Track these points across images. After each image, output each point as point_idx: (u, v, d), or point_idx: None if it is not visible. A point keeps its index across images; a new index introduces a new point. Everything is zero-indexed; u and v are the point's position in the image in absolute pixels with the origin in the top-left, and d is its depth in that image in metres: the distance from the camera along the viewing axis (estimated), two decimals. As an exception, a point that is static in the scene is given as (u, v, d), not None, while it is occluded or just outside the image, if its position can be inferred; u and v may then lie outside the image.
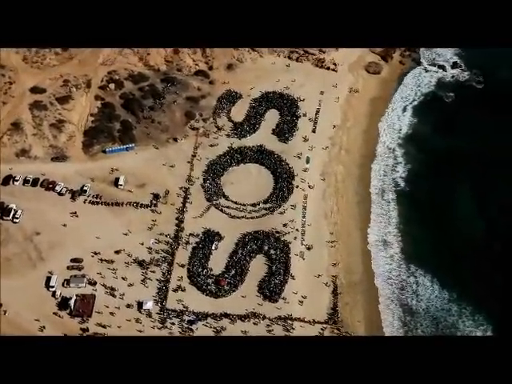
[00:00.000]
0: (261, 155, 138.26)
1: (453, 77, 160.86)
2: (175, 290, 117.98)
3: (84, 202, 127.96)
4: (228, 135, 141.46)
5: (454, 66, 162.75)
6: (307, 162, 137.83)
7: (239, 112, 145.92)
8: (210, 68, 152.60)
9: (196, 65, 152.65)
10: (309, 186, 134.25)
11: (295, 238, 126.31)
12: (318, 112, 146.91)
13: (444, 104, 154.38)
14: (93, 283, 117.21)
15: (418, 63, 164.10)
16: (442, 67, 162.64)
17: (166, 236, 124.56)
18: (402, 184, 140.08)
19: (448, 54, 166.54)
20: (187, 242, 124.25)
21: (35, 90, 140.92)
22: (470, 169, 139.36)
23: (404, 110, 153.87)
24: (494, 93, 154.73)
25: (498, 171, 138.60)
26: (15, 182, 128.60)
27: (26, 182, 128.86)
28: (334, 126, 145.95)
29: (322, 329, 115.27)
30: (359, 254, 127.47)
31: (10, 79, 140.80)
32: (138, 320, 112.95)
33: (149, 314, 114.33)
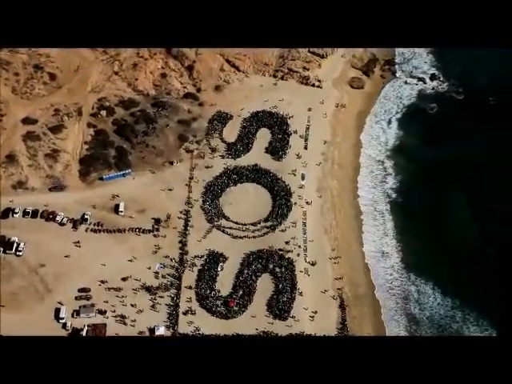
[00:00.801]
0: (257, 174, 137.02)
1: (433, 88, 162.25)
2: (185, 313, 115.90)
3: (86, 231, 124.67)
4: (222, 156, 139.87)
5: (433, 77, 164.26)
6: (302, 178, 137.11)
7: (231, 132, 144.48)
8: (198, 90, 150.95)
9: (184, 87, 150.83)
10: (306, 203, 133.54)
11: (298, 254, 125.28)
12: (308, 129, 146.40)
13: (428, 115, 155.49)
14: (102, 312, 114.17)
15: (398, 76, 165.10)
16: (422, 79, 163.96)
17: (172, 260, 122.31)
18: (394, 195, 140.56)
19: (425, 66, 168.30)
20: (193, 264, 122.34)
21: (27, 120, 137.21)
22: (459, 177, 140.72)
23: (389, 122, 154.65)
24: (474, 102, 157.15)
25: (487, 178, 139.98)
26: (15, 215, 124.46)
27: (25, 213, 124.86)
28: (325, 142, 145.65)
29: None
30: (361, 266, 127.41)
31: (1, 111, 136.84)
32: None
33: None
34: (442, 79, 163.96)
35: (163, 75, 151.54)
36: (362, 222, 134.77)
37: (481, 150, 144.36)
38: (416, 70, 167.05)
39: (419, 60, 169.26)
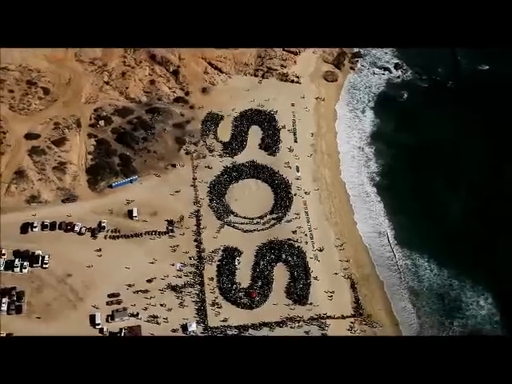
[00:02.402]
0: (255, 170, 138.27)
1: (398, 77, 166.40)
2: (212, 305, 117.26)
3: (105, 238, 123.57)
4: (220, 155, 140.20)
5: (397, 67, 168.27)
6: (297, 170, 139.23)
7: (224, 132, 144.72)
8: (187, 93, 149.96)
9: (173, 92, 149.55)
10: (305, 193, 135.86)
11: (306, 242, 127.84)
12: (294, 123, 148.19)
13: (399, 102, 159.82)
14: (135, 314, 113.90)
15: (366, 68, 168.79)
16: (387, 69, 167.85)
17: (190, 258, 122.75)
18: (378, 178, 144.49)
19: (386, 57, 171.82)
20: (211, 259, 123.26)
21: (30, 136, 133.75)
22: (435, 158, 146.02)
23: (363, 111, 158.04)
24: (437, 88, 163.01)
25: (460, 157, 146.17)
26: (34, 229, 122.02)
27: (44, 226, 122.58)
28: (312, 134, 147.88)
29: (351, 322, 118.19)
30: (363, 248, 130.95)
31: (2, 129, 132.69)
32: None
33: (196, 336, 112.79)
34: (405, 68, 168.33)
35: (152, 82, 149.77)
36: (354, 206, 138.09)
37: (451, 131, 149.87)
38: (380, 61, 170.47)
39: (380, 51, 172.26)
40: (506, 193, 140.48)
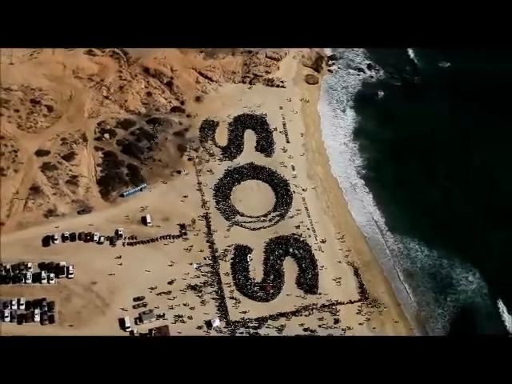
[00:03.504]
0: (255, 171, 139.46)
1: (372, 77, 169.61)
2: (231, 298, 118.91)
3: (123, 245, 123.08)
4: (220, 159, 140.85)
5: (370, 67, 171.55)
6: (293, 169, 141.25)
7: (221, 137, 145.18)
8: (182, 103, 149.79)
9: (169, 102, 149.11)
10: (303, 190, 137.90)
11: (309, 236, 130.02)
12: (284, 125, 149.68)
13: (376, 100, 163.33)
14: (161, 315, 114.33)
15: (342, 69, 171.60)
16: (361, 70, 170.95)
17: (205, 258, 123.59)
18: (364, 171, 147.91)
19: (358, 58, 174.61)
20: (225, 257, 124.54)
21: (40, 153, 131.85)
22: (414, 150, 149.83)
23: (343, 110, 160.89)
24: (408, 85, 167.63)
25: (436, 148, 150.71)
26: (55, 241, 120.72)
27: (64, 238, 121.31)
28: (302, 134, 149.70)
29: (359, 306, 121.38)
30: (360, 237, 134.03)
31: (14, 147, 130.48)
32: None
33: (220, 330, 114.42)
34: (377, 68, 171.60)
35: (149, 94, 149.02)
36: (348, 199, 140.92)
37: (424, 124, 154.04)
38: (353, 63, 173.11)
39: (353, 53, 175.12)
40: (477, 176, 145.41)
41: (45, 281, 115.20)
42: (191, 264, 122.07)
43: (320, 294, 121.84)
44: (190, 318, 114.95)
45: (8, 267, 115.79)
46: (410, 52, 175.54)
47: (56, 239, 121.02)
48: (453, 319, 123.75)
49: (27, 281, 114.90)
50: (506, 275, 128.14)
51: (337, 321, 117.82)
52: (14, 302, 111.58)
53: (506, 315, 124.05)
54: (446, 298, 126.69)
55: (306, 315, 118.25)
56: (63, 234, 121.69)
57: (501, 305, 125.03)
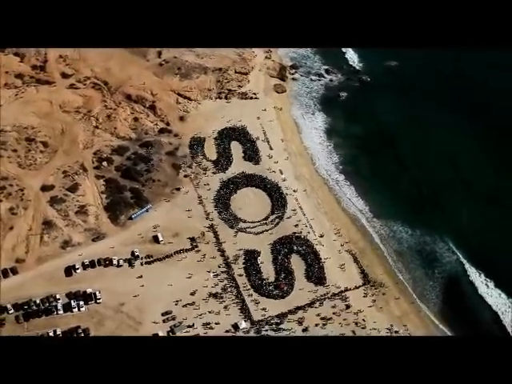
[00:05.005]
0: (247, 179, 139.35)
1: (331, 80, 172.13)
2: (251, 301, 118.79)
3: (141, 265, 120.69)
4: (214, 172, 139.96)
5: (328, 72, 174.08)
6: (281, 173, 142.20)
7: (210, 151, 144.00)
8: (168, 124, 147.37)
9: (155, 124, 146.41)
10: (293, 191, 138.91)
11: (308, 232, 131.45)
12: (265, 133, 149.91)
13: (341, 101, 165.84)
14: (191, 325, 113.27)
15: (304, 76, 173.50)
16: (321, 75, 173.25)
17: (219, 266, 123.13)
18: (342, 166, 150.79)
19: (316, 65, 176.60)
20: (237, 261, 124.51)
21: (45, 188, 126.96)
22: (384, 143, 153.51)
23: (313, 113, 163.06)
24: (364, 85, 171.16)
25: (402, 140, 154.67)
26: (77, 270, 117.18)
27: (85, 266, 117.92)
28: (282, 140, 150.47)
29: (364, 290, 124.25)
30: (353, 226, 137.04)
31: (19, 186, 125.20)
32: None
33: (247, 331, 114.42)
34: (334, 72, 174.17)
35: (135, 119, 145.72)
36: (334, 193, 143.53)
37: (385, 118, 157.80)
38: (312, 69, 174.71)
39: (310, 61, 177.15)
40: (439, 161, 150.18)
41: (75, 309, 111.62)
42: (208, 272, 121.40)
43: (328, 285, 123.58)
44: (217, 323, 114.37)
45: (38, 301, 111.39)
46: (353, 54, 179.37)
47: (77, 268, 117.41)
48: (443, 289, 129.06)
49: (59, 312, 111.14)
50: (476, 242, 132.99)
51: (348, 306, 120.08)
52: (50, 334, 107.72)
53: (482, 276, 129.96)
54: (435, 271, 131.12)
55: (320, 305, 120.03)
56: (83, 262, 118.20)
57: (477, 269, 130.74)
